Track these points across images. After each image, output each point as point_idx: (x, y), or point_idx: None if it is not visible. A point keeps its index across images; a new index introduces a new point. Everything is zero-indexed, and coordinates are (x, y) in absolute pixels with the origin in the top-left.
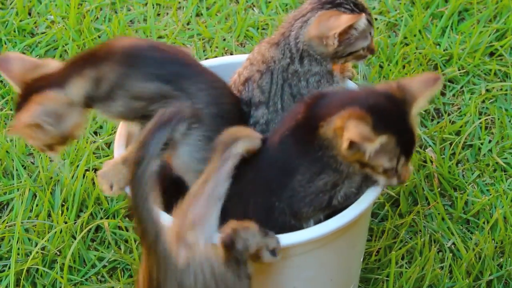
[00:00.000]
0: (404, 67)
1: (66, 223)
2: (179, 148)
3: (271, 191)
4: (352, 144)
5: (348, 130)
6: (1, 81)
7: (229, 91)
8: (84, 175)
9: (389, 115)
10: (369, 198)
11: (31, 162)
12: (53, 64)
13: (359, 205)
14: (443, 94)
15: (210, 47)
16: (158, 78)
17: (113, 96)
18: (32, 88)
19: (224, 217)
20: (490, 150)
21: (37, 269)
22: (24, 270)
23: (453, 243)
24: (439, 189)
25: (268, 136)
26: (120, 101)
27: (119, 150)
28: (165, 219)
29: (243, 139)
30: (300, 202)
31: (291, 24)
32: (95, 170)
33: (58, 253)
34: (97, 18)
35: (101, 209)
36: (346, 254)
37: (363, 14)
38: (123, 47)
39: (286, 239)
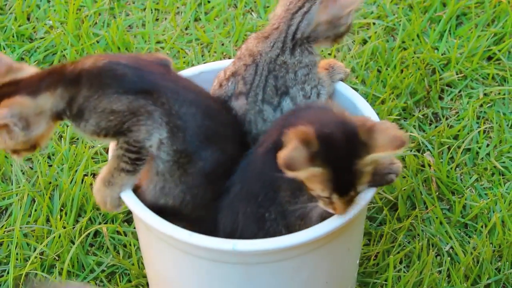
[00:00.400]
0: (402, 71)
1: (64, 228)
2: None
3: (259, 204)
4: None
5: (285, 149)
6: None
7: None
8: (82, 180)
9: (338, 151)
10: (362, 200)
11: (30, 167)
12: (28, 70)
13: (354, 206)
14: (441, 98)
15: (209, 51)
16: (130, 96)
17: (84, 116)
18: (4, 92)
19: (216, 228)
20: (488, 154)
21: (36, 274)
22: (23, 275)
23: (451, 247)
24: (437, 193)
25: (256, 146)
26: (91, 120)
27: None
28: None
29: None
30: (291, 216)
31: (289, 18)
32: (94, 175)
33: (56, 258)
34: (96, 23)
35: (100, 214)
36: (341, 257)
37: None
38: (91, 68)
39: (279, 242)
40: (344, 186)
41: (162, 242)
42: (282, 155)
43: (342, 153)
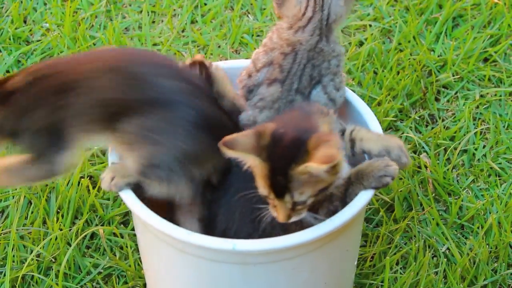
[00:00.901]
0: (398, 73)
1: (61, 230)
2: None
3: (253, 205)
4: None
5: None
6: None
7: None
8: (79, 182)
9: (281, 150)
10: (360, 202)
11: None
12: None
13: (350, 209)
14: (437, 99)
15: (205, 54)
16: None
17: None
18: None
19: (213, 227)
20: (485, 155)
21: (33, 276)
22: (19, 277)
23: (448, 248)
24: (433, 195)
25: None
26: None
27: (113, 157)
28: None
29: None
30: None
31: (320, 4)
32: (90, 177)
33: (53, 260)
34: (92, 25)
35: (96, 216)
36: (340, 258)
37: None
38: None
39: (279, 242)
40: (279, 186)
41: (161, 242)
42: (228, 136)
43: (284, 154)
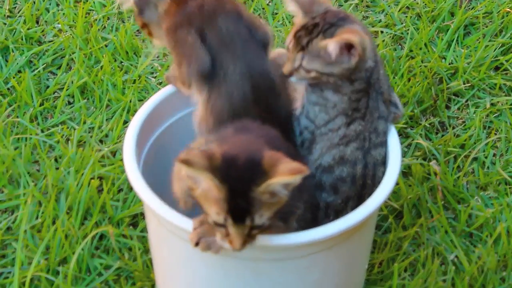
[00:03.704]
0: (409, 80)
1: (70, 230)
2: None
3: None
4: None
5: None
6: (8, 89)
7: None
8: (89, 183)
9: (237, 173)
10: (375, 202)
11: (37, 170)
12: None
13: (365, 208)
14: (448, 107)
15: None
16: None
17: None
18: None
19: None
20: (494, 164)
21: (41, 276)
22: (28, 278)
23: (456, 256)
24: (442, 202)
25: None
26: None
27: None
28: None
29: None
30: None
31: None
32: (100, 178)
33: (62, 260)
34: (104, 27)
35: (106, 217)
36: (352, 259)
37: None
38: None
39: (291, 238)
40: (239, 210)
41: (173, 236)
42: (182, 154)
43: (240, 175)
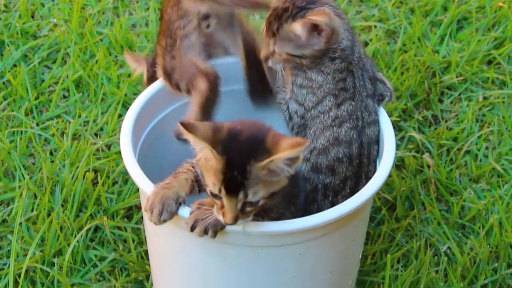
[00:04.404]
0: (402, 73)
1: (65, 223)
2: None
3: None
4: None
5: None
6: (4, 83)
7: None
8: (84, 176)
9: (238, 145)
10: (370, 190)
11: (32, 163)
12: None
13: (360, 196)
14: (441, 101)
15: None
16: None
17: None
18: None
19: None
20: (487, 156)
21: (36, 268)
22: (24, 269)
23: (449, 248)
24: (435, 194)
25: None
26: None
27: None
28: None
29: None
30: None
31: None
32: (95, 171)
33: (57, 252)
34: (100, 21)
35: (101, 209)
36: (346, 247)
37: None
38: None
39: (287, 225)
40: (234, 183)
41: (170, 224)
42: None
43: (241, 149)
